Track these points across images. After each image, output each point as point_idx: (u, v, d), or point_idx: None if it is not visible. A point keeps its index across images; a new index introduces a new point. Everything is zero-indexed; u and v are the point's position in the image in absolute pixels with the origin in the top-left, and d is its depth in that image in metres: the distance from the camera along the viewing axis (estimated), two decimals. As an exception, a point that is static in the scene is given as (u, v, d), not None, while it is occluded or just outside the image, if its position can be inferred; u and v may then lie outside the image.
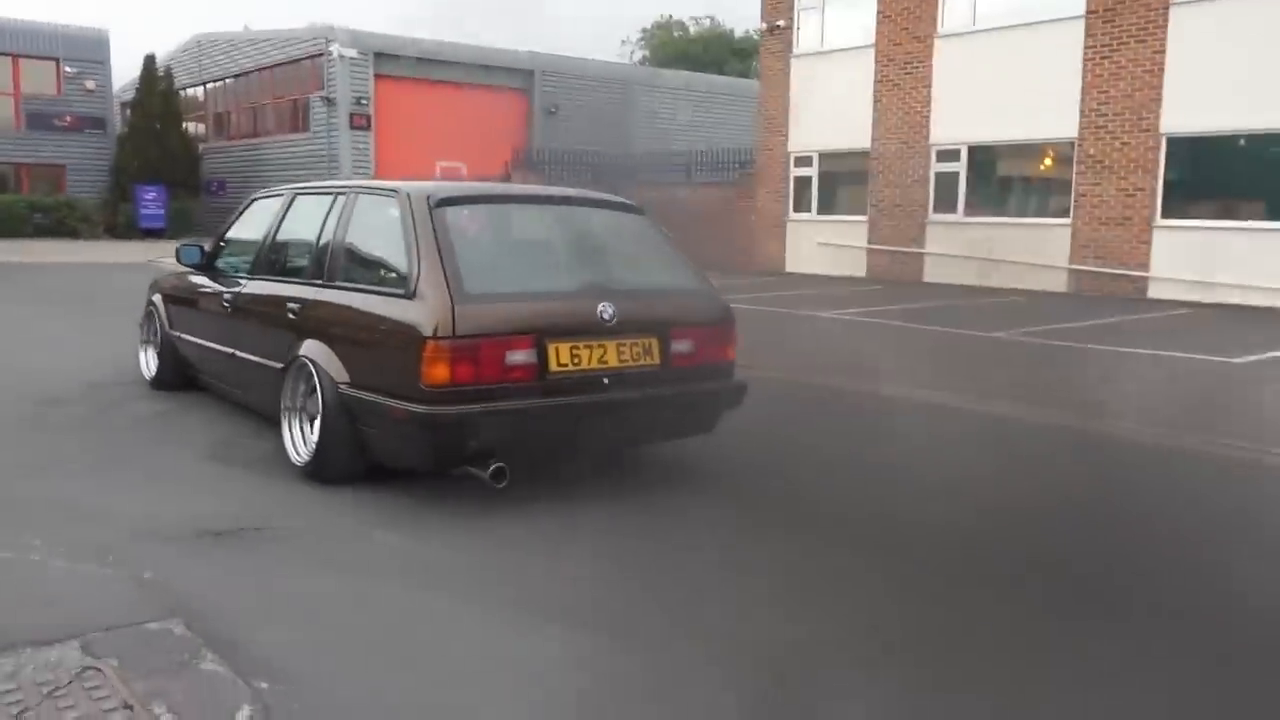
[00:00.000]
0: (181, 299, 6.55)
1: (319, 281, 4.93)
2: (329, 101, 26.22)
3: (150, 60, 28.85)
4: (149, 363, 6.93)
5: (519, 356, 4.22)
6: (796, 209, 19.37)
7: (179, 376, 6.66)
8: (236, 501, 4.45)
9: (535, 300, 4.38)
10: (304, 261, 5.22)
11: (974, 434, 6.31)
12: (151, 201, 27.87)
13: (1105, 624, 3.33)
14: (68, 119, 28.75)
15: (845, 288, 16.37)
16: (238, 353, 5.58)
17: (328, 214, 5.11)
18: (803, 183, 19.25)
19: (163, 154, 28.44)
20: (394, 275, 4.45)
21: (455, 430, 4.11)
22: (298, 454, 4.77)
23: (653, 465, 5.17)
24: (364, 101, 26.40)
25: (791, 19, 19.06)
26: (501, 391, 4.19)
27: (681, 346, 4.70)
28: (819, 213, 19.07)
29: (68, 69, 28.72)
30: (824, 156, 18.92)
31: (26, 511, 4.24)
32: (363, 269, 4.78)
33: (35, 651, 2.91)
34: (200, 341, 6.16)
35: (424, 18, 75.32)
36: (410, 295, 4.23)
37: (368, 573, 3.69)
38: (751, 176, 19.99)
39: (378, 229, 4.70)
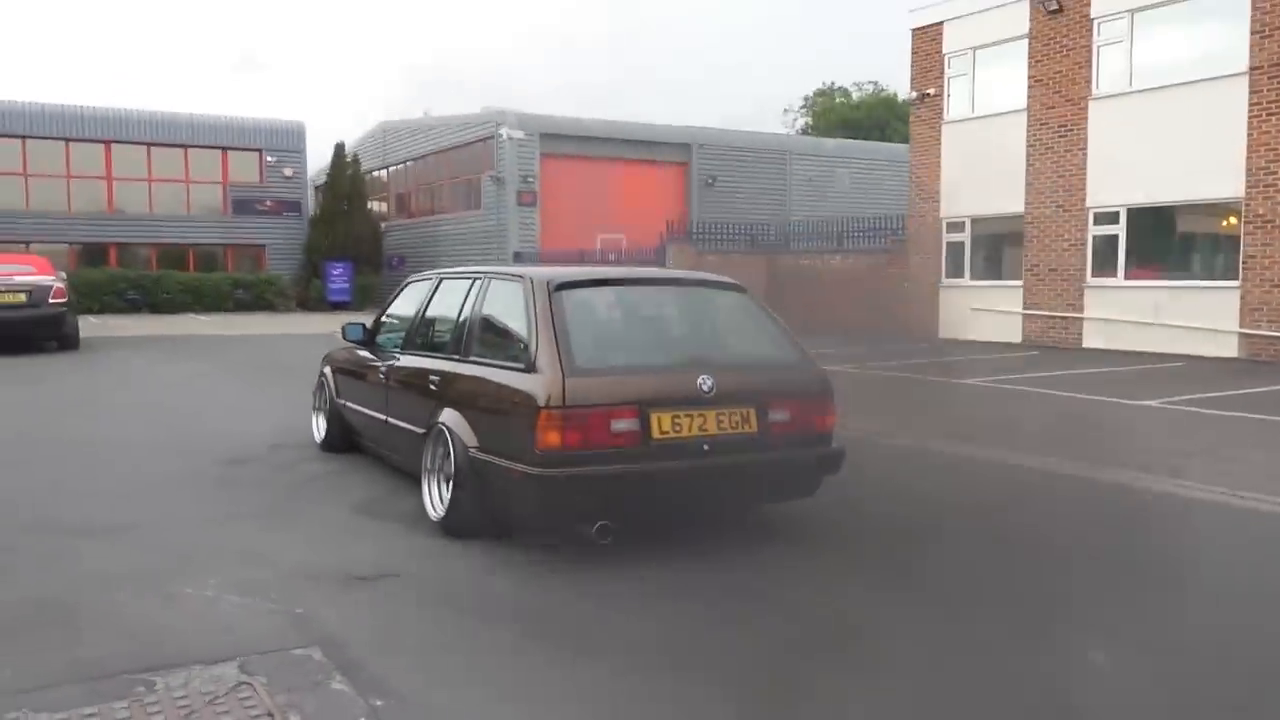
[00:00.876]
0: (347, 370, 7.34)
1: (456, 357, 5.55)
2: (498, 180, 27.84)
3: (340, 147, 31.41)
4: (319, 427, 7.75)
5: (623, 424, 4.66)
6: (950, 275, 19.28)
7: (344, 440, 7.42)
8: (379, 551, 5.04)
9: (639, 374, 4.84)
10: (445, 338, 5.87)
11: (1091, 501, 6.35)
12: (339, 277, 30.13)
13: None
14: (268, 203, 31.60)
15: (999, 353, 16.18)
16: (390, 419, 6.26)
17: (466, 296, 5.75)
18: (956, 248, 19.17)
19: (349, 233, 30.76)
20: (517, 351, 4.99)
21: (565, 490, 4.58)
22: (435, 510, 5.34)
23: (760, 527, 5.50)
24: (530, 179, 27.89)
25: (941, 86, 19.19)
26: (608, 456, 4.64)
27: (779, 415, 5.04)
28: (973, 278, 18.93)
29: (268, 158, 31.65)
30: (977, 221, 18.82)
31: (207, 556, 4.94)
32: (492, 346, 5.35)
33: (204, 669, 3.50)
34: (360, 409, 6.91)
35: (595, 97, 78.68)
36: (529, 369, 4.76)
37: (481, 615, 4.16)
38: (904, 243, 20.05)
39: (506, 310, 5.28)
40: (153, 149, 30.25)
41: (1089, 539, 5.47)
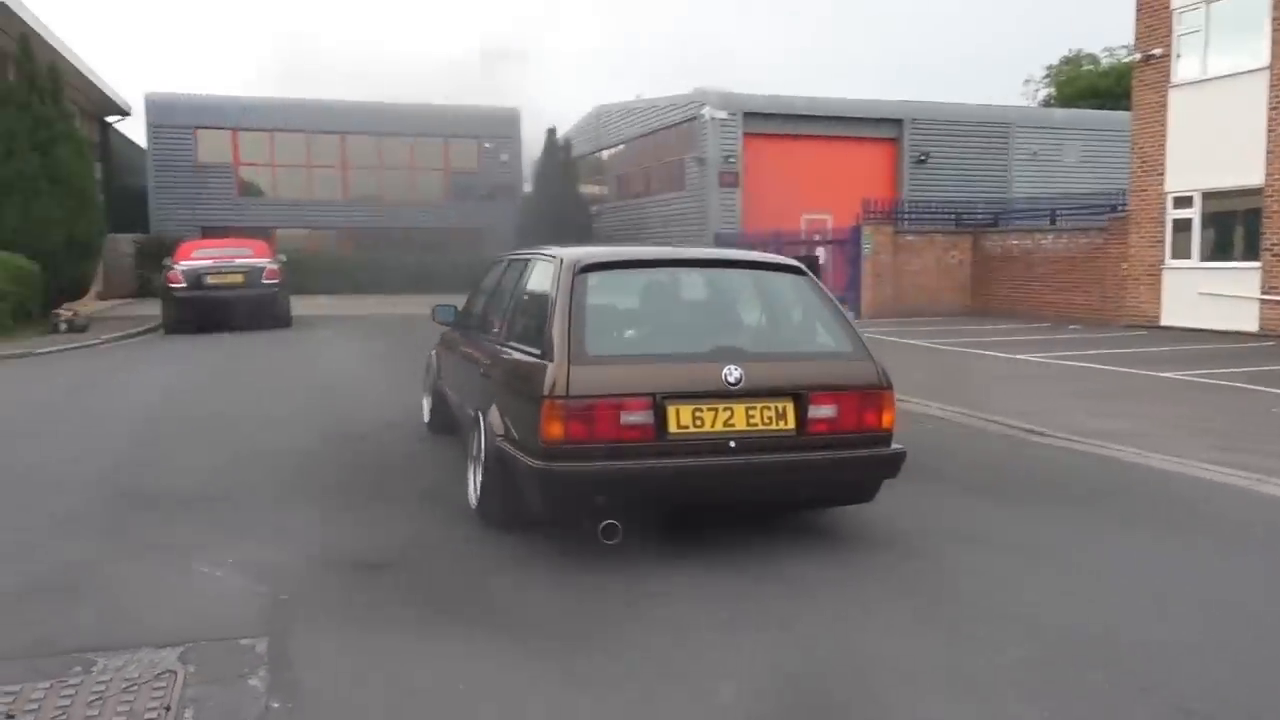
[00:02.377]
0: (446, 351, 7.36)
1: (499, 341, 5.39)
2: (700, 161, 27.63)
3: (551, 132, 32.16)
4: (426, 408, 7.83)
5: (635, 417, 4.34)
6: (1175, 255, 17.34)
7: (446, 421, 7.44)
8: (409, 538, 4.97)
9: (655, 362, 4.50)
10: (495, 323, 5.73)
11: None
12: (548, 259, 30.89)
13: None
14: (485, 189, 32.84)
15: (1228, 344, 14.41)
16: (462, 403, 6.20)
17: (517, 278, 5.58)
18: (1182, 226, 17.21)
19: (560, 215, 31.46)
20: (538, 337, 4.76)
21: (567, 486, 4.33)
22: (473, 499, 5.22)
23: (804, 531, 5.02)
24: (732, 159, 27.50)
25: (1169, 46, 17.24)
26: (618, 450, 4.33)
27: (822, 411, 4.57)
28: (1202, 259, 16.94)
29: (485, 145, 32.87)
30: (1208, 196, 16.80)
31: (247, 533, 5.05)
32: (524, 331, 5.14)
33: (151, 652, 3.53)
34: (448, 391, 6.90)
35: (817, 73, 77.02)
36: (544, 356, 4.52)
37: (463, 616, 3.97)
38: (1123, 220, 18.22)
39: (537, 293, 5.06)
40: (383, 139, 32.14)
41: None
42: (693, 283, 5.25)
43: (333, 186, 32.24)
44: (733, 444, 4.44)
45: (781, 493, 4.72)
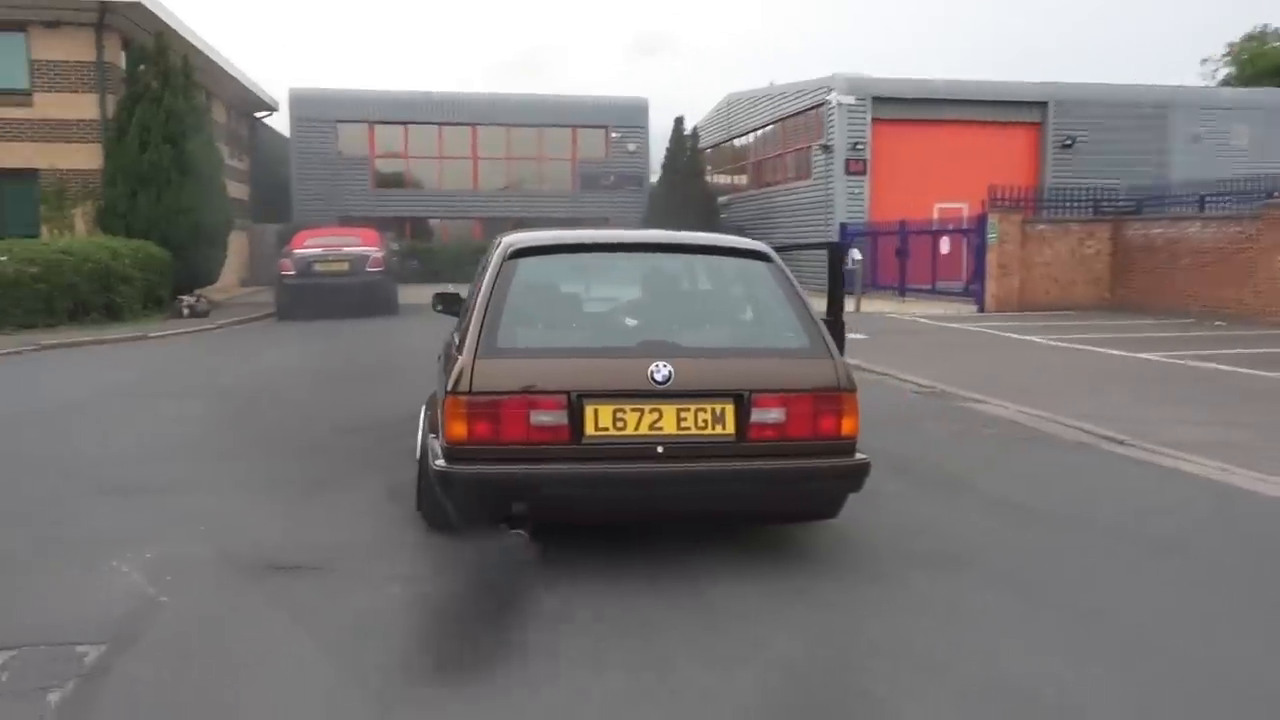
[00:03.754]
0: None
1: (456, 333, 5.04)
2: (826, 149, 26.69)
3: (679, 121, 31.77)
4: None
5: (546, 417, 3.92)
6: (1340, 246, 15.55)
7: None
8: (336, 539, 4.69)
9: (570, 357, 4.06)
10: (460, 314, 5.38)
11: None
12: (673, 249, 30.57)
13: None
14: (611, 178, 32.74)
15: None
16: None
17: (484, 264, 5.21)
18: (1349, 213, 15.41)
19: (685, 205, 31.07)
20: (464, 327, 4.39)
21: (469, 490, 3.95)
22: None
23: (757, 543, 4.47)
24: (860, 146, 26.44)
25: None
26: (527, 453, 3.93)
27: (768, 415, 4.03)
28: (1370, 251, 15.12)
29: (613, 135, 32.74)
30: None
31: (186, 526, 4.88)
32: (463, 320, 4.78)
33: (-20, 654, 3.32)
34: (446, 382, 6.61)
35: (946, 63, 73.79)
36: (459, 348, 4.16)
37: (335, 624, 3.65)
38: (1280, 208, 16.47)
39: (480, 282, 4.68)
40: (511, 130, 32.46)
41: None
42: (638, 269, 4.75)
43: (464, 176, 32.77)
44: (660, 449, 3.96)
45: (720, 506, 4.19)
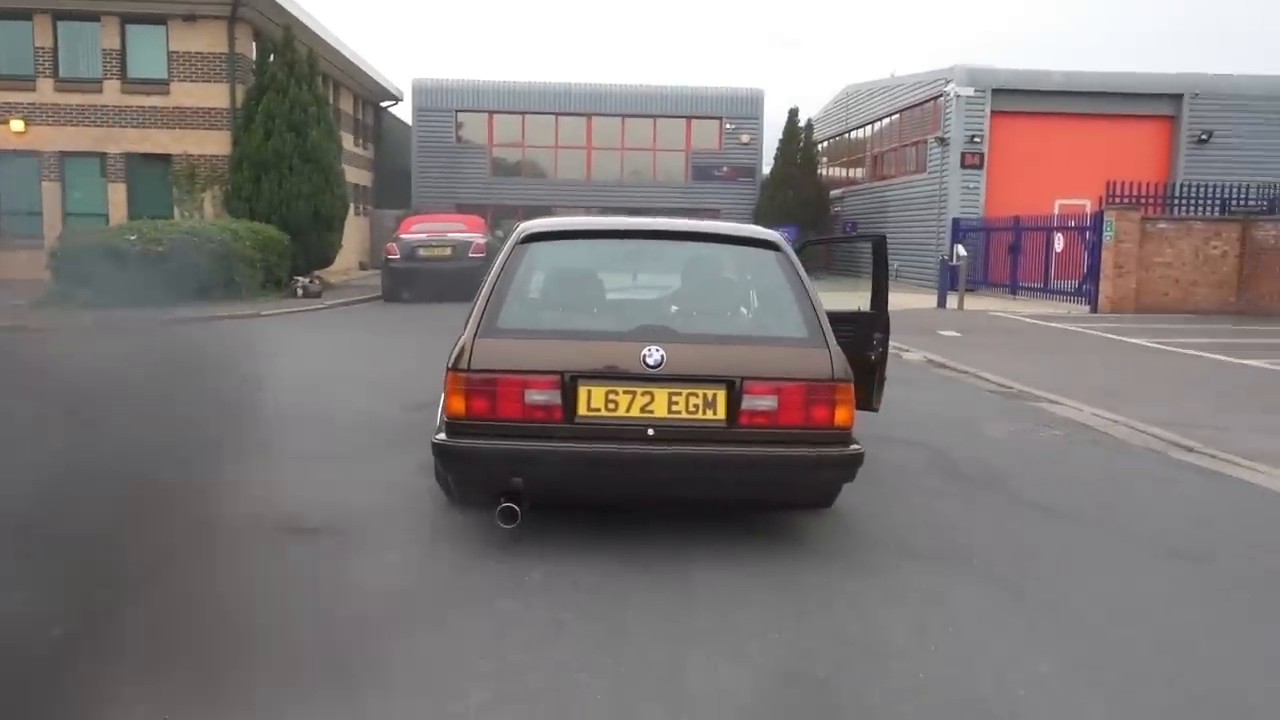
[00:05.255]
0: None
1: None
2: (942, 141, 26.07)
3: (793, 113, 31.51)
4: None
5: (540, 396, 4.06)
6: None
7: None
8: (376, 505, 4.93)
9: (566, 339, 4.18)
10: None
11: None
12: (783, 241, 30.38)
13: None
14: (724, 170, 32.71)
15: None
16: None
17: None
18: None
19: (796, 198, 30.81)
20: (472, 308, 4.55)
21: (466, 464, 4.12)
22: (439, 473, 5.10)
23: (757, 526, 4.50)
24: (977, 139, 25.72)
25: None
26: (521, 430, 4.07)
27: (759, 403, 4.07)
28: None
29: (727, 126, 32.69)
30: None
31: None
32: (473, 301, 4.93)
33: None
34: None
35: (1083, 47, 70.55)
36: (466, 328, 4.33)
37: (330, 589, 3.87)
38: None
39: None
40: (626, 120, 32.76)
41: None
42: (645, 257, 4.85)
43: (578, 166, 33.25)
44: (651, 432, 4.05)
45: (709, 490, 4.25)
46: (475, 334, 4.14)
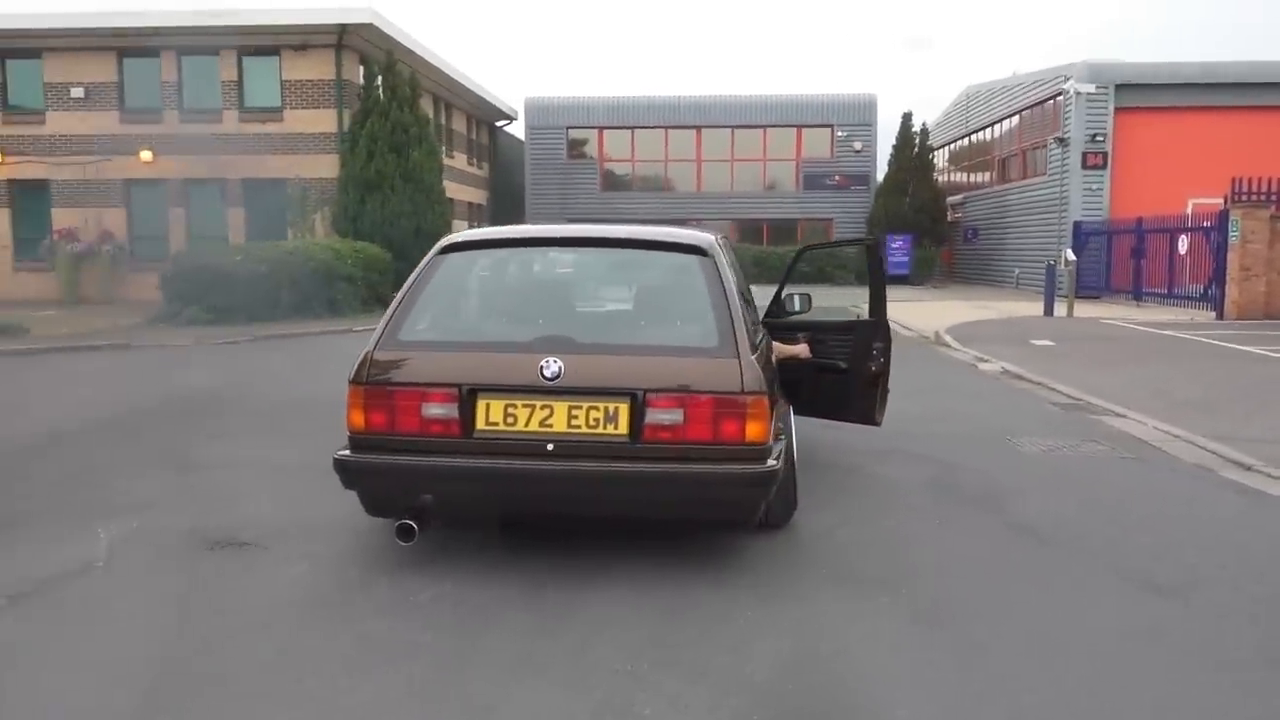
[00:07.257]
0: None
1: None
2: (1062, 141, 24.85)
3: (907, 118, 30.60)
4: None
5: (437, 410, 3.94)
6: None
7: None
8: (321, 517, 4.88)
9: (464, 351, 4.04)
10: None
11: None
12: (898, 250, 29.51)
13: None
14: (836, 178, 32.03)
15: None
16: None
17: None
18: None
19: (912, 205, 29.90)
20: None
21: (364, 480, 4.03)
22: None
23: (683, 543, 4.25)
24: (1099, 138, 24.40)
25: None
26: (419, 445, 3.96)
27: (663, 417, 3.85)
28: None
29: (839, 133, 32.01)
30: None
31: (185, 491, 5.26)
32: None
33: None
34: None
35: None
36: (371, 341, 4.25)
37: (217, 601, 3.85)
38: None
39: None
40: (736, 131, 32.50)
41: None
42: (561, 264, 4.66)
43: (688, 178, 33.17)
44: (550, 447, 3.87)
45: (617, 507, 4.04)
46: (375, 346, 4.06)
